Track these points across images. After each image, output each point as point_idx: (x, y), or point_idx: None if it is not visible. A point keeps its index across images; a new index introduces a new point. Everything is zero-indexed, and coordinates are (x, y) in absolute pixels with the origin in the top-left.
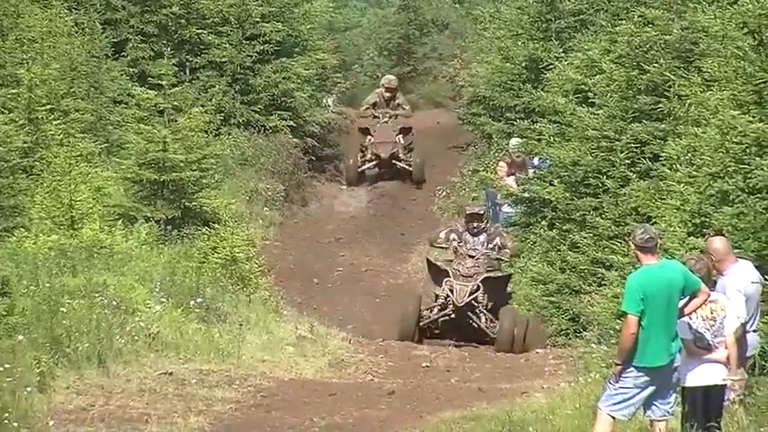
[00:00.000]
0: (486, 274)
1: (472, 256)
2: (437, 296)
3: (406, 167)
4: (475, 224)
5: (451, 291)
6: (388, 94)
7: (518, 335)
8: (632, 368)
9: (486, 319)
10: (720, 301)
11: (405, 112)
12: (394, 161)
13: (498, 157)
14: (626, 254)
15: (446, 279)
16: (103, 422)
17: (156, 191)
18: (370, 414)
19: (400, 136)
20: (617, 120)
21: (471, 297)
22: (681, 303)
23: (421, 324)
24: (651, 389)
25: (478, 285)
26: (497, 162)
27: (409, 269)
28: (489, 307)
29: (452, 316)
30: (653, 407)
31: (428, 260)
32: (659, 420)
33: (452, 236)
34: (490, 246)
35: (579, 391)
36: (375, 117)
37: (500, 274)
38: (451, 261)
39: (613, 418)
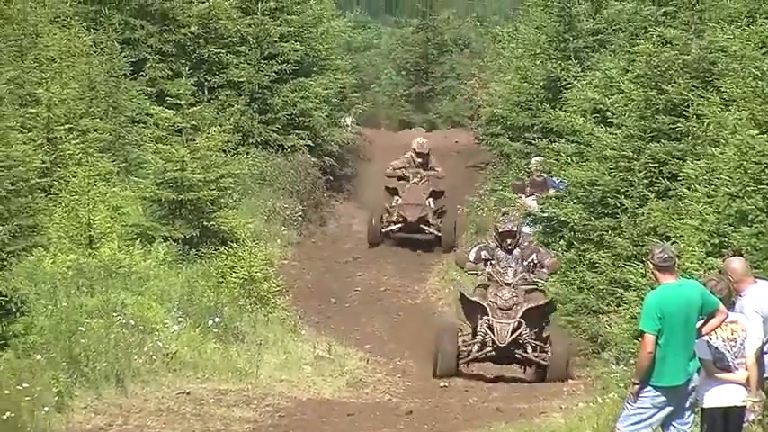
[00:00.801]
0: (526, 306)
1: (508, 284)
2: (474, 329)
3: (436, 233)
4: (509, 242)
5: (491, 329)
6: (419, 160)
7: (570, 360)
8: (650, 388)
9: (534, 347)
10: (741, 322)
11: (437, 173)
12: (422, 225)
13: (516, 177)
14: (644, 274)
15: (484, 317)
16: None
17: (175, 210)
18: None
19: (431, 199)
20: (635, 139)
21: (514, 336)
22: (699, 324)
23: (460, 362)
24: (669, 409)
25: (520, 322)
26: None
27: (427, 288)
28: (535, 335)
29: (494, 354)
30: (671, 427)
31: (461, 294)
32: None
33: (483, 253)
34: (525, 263)
35: (597, 412)
36: (404, 177)
37: (542, 302)
38: (486, 288)
39: None
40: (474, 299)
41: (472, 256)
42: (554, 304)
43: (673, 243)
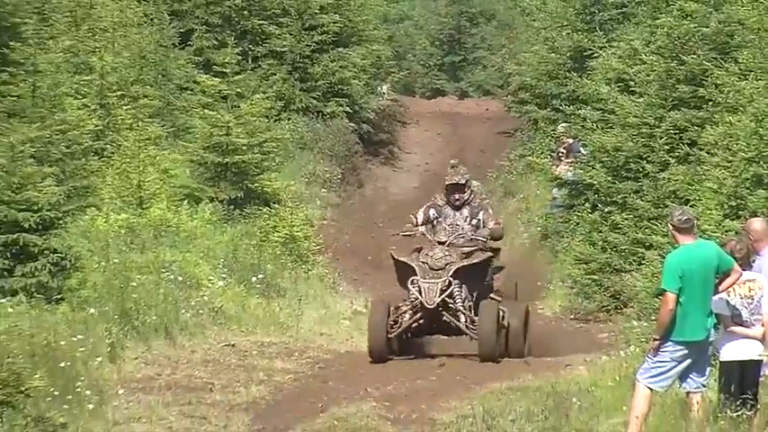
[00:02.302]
0: (458, 264)
1: (442, 243)
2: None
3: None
4: (456, 196)
5: (419, 291)
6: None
7: (509, 333)
8: (670, 342)
9: (466, 317)
10: (759, 281)
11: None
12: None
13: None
14: (665, 234)
15: (413, 277)
16: (170, 391)
17: (220, 173)
18: (421, 385)
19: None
20: (657, 107)
21: (443, 295)
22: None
23: (390, 335)
24: (687, 362)
25: (450, 281)
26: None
27: None
28: (473, 299)
29: (422, 322)
30: (689, 379)
31: (392, 255)
32: (695, 392)
33: (431, 212)
34: (473, 221)
35: (619, 365)
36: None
37: (476, 260)
38: (420, 250)
39: (651, 389)
40: (403, 259)
41: (420, 217)
42: (499, 265)
43: (692, 206)
